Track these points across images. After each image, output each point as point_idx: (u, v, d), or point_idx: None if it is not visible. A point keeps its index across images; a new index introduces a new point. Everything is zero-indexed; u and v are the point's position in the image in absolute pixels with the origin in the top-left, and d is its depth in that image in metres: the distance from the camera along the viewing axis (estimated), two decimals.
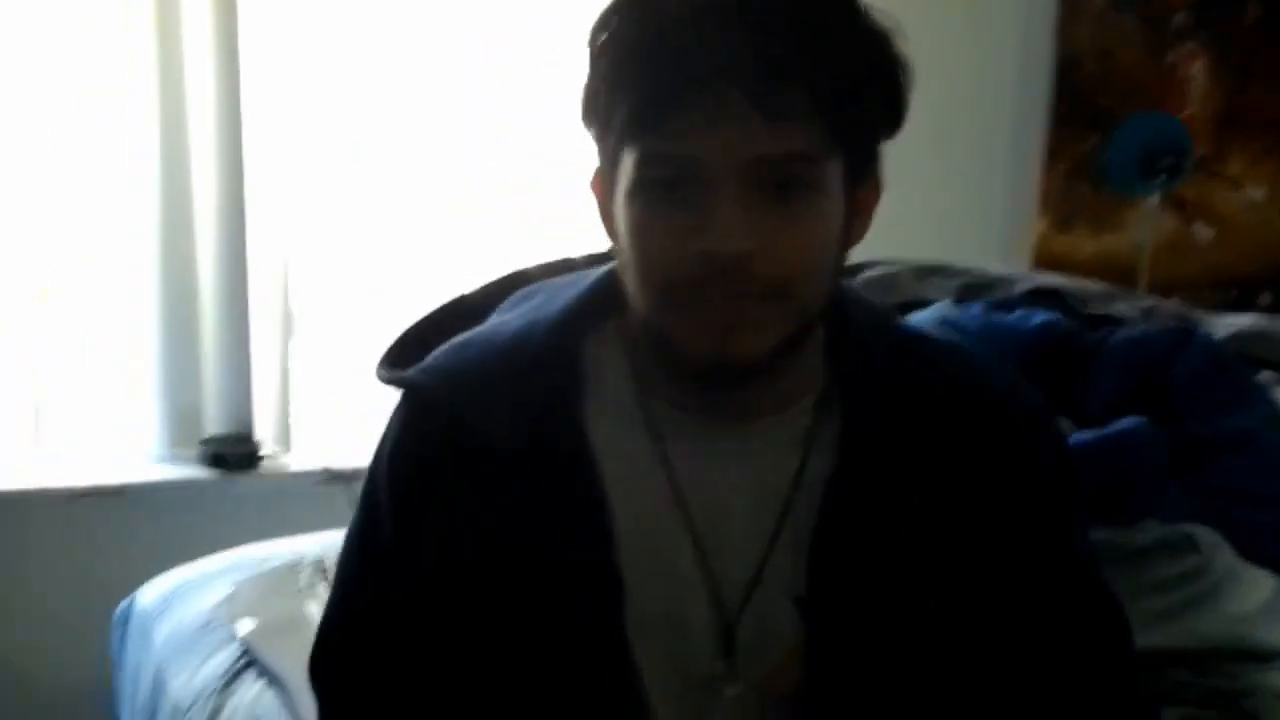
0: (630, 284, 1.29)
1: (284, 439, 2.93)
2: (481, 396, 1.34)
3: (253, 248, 2.87)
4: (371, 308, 3.03)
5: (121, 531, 2.78)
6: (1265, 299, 3.68)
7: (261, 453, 2.89)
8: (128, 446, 2.90)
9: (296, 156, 2.95)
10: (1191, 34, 3.54)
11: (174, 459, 2.88)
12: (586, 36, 1.26)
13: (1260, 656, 1.87)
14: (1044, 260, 3.40)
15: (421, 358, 1.40)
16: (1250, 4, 3.56)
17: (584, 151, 1.32)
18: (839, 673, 1.36)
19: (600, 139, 1.28)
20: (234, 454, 2.85)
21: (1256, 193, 3.68)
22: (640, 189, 1.23)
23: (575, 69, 1.29)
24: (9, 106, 2.75)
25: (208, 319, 2.85)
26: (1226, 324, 2.40)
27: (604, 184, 1.29)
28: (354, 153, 3.03)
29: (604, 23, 1.25)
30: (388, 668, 1.41)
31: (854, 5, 1.25)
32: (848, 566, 1.35)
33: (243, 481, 2.85)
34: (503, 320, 1.42)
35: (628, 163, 1.24)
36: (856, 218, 1.31)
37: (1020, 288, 2.35)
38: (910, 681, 1.37)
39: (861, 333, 1.40)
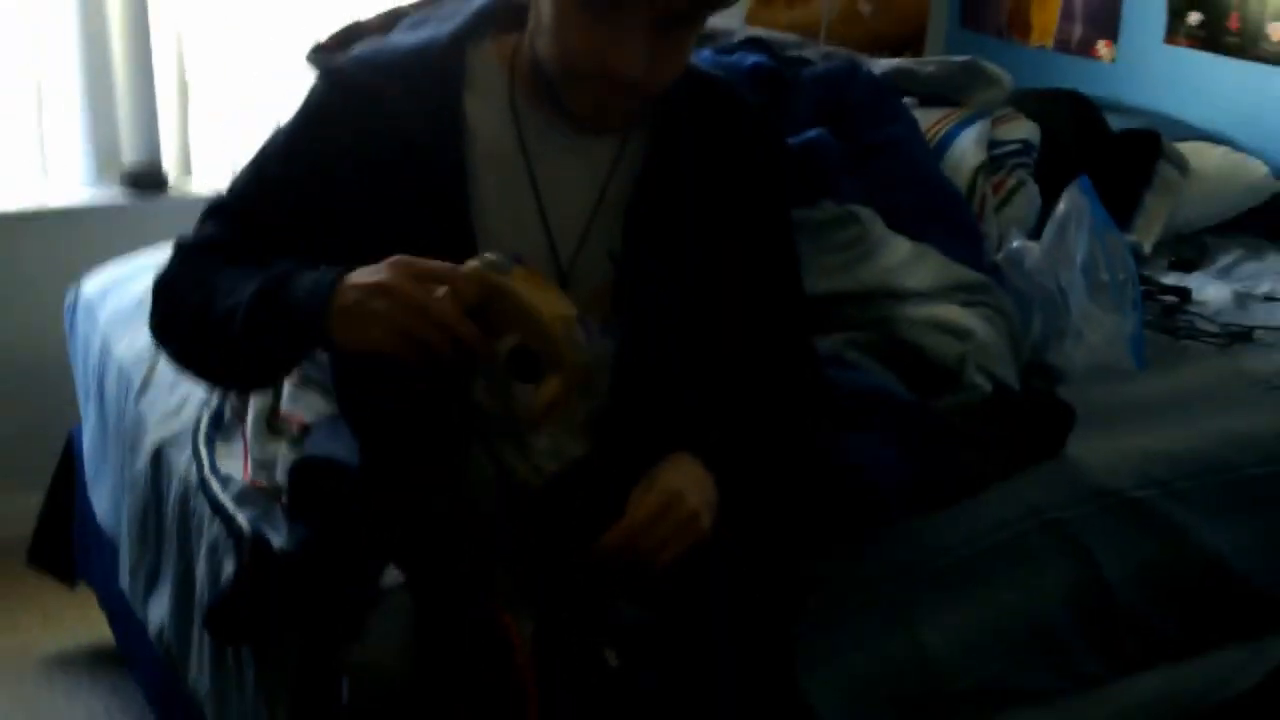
0: (541, 43, 1.27)
1: (186, 167, 2.83)
2: (390, 81, 1.32)
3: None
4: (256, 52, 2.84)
5: (61, 244, 2.67)
6: (908, 54, 3.70)
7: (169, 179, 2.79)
8: (60, 176, 2.75)
9: None
10: None
11: (98, 185, 2.75)
12: None
13: (900, 296, 1.96)
14: (752, 25, 3.33)
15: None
16: None
17: None
18: (636, 306, 1.37)
19: None
20: (146, 178, 2.74)
21: None
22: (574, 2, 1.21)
23: None
24: None
25: (120, 69, 2.69)
26: (881, 65, 2.43)
27: None
28: None
29: None
30: (245, 237, 1.35)
31: None
32: (650, 229, 1.37)
33: (155, 202, 2.76)
34: (405, 35, 1.40)
35: None
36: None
37: (737, 37, 2.33)
38: (687, 309, 1.39)
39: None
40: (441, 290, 1.14)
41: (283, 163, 1.35)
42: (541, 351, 1.17)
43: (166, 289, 1.36)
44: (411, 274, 1.15)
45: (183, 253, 1.38)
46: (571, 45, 1.23)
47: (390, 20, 1.49)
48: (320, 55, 1.45)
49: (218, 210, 1.38)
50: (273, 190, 1.35)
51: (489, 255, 1.18)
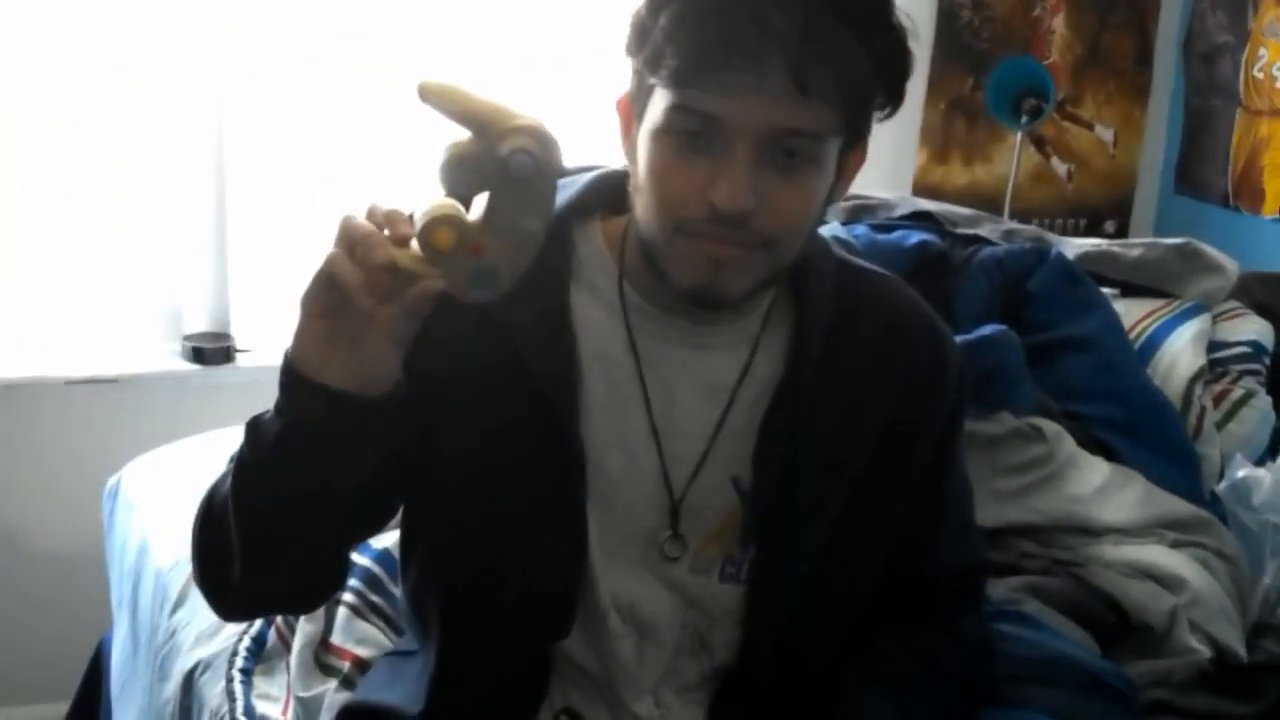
0: (639, 208, 1.29)
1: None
2: None
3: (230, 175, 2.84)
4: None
5: (111, 416, 2.75)
6: (1110, 226, 3.71)
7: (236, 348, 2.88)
8: (118, 342, 2.86)
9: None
10: None
11: (160, 353, 2.86)
12: None
13: (1093, 531, 1.94)
14: (921, 189, 3.39)
15: None
16: None
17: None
18: (769, 549, 1.37)
19: (639, 70, 1.26)
20: (212, 349, 2.83)
21: (1106, 133, 3.69)
22: (666, 132, 1.23)
23: None
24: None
25: (190, 235, 2.83)
26: (1075, 245, 2.43)
27: (632, 109, 1.28)
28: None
29: (675, 18, 1.22)
30: None
31: (886, 2, 1.25)
32: (784, 454, 1.36)
33: (219, 372, 2.84)
34: None
35: (660, 102, 1.23)
36: (841, 181, 1.31)
37: (900, 211, 2.36)
38: (825, 560, 1.38)
39: (812, 256, 1.39)
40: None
41: None
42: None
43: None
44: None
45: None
46: (671, 193, 1.24)
47: None
48: None
49: None
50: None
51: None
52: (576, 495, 1.33)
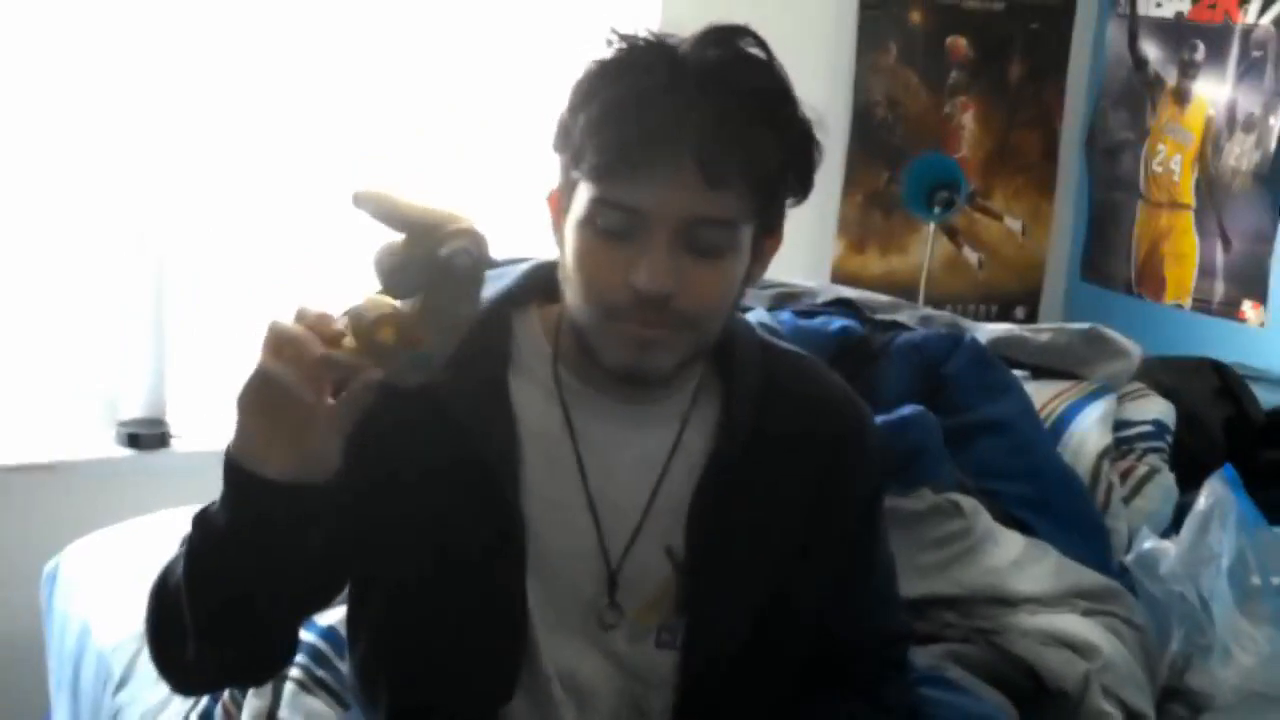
0: (569, 294, 1.34)
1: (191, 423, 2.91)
2: None
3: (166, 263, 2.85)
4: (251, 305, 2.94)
5: (49, 501, 2.72)
6: (1020, 313, 3.77)
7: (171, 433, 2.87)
8: (54, 428, 2.84)
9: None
10: (965, 89, 3.60)
11: (96, 439, 2.85)
12: (572, 82, 1.30)
13: (1009, 602, 1.96)
14: (840, 277, 3.43)
15: None
16: (1012, 65, 3.64)
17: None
18: (702, 616, 1.41)
19: (565, 168, 1.32)
20: (147, 435, 2.84)
21: (1015, 224, 3.76)
22: (590, 223, 1.29)
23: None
24: None
25: (125, 322, 2.83)
26: (988, 330, 2.47)
27: (559, 203, 1.34)
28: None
29: (589, 79, 1.29)
30: None
31: (790, 97, 1.31)
32: (715, 525, 1.41)
33: (155, 457, 2.83)
34: None
35: (583, 196, 1.29)
36: (757, 264, 1.37)
37: (822, 298, 2.41)
38: (756, 627, 1.42)
39: (737, 337, 1.45)
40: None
41: None
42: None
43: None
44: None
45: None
46: (597, 278, 1.29)
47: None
48: None
49: None
50: None
51: None
52: (517, 567, 1.37)
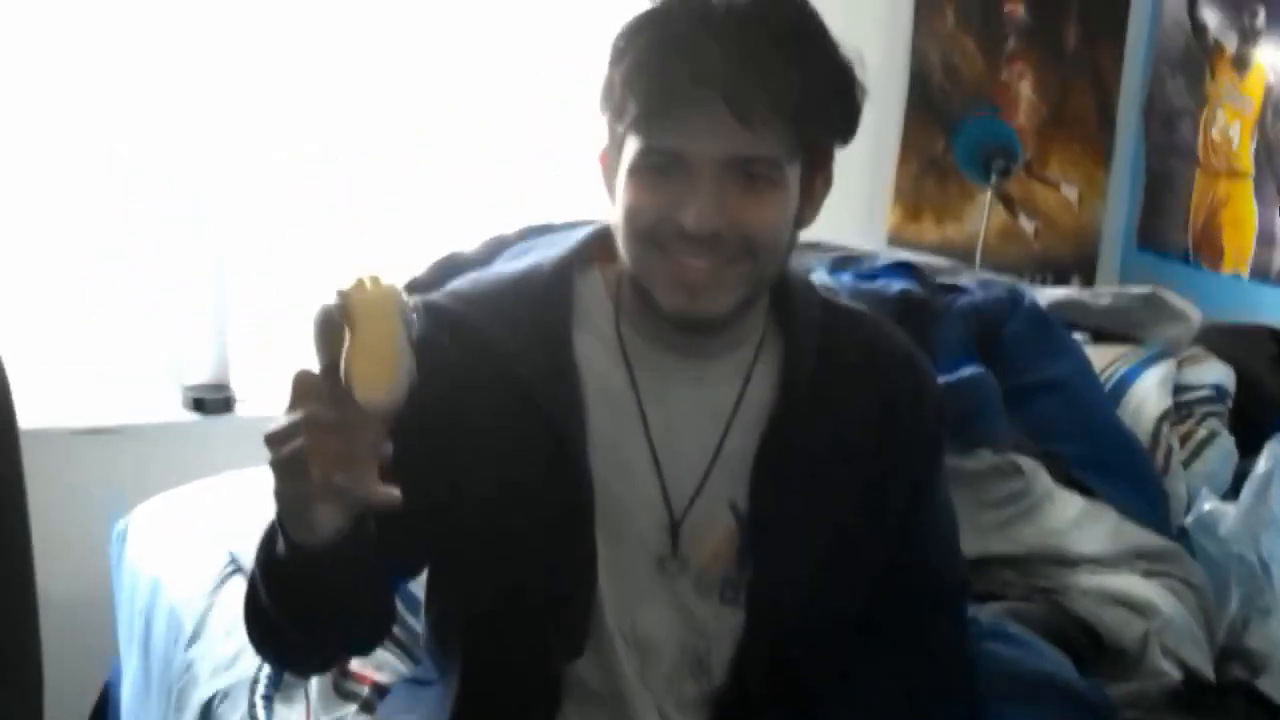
0: (624, 247, 1.37)
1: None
2: (493, 316, 1.42)
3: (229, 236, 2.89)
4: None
5: (117, 464, 2.76)
6: (1076, 281, 3.70)
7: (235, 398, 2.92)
8: (123, 393, 2.89)
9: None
10: (1021, 54, 3.57)
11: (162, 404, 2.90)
12: (610, 41, 1.35)
13: (1069, 561, 1.99)
14: (895, 243, 3.41)
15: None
16: (1068, 30, 3.61)
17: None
18: (766, 570, 1.43)
19: (610, 125, 1.36)
20: (212, 399, 2.88)
21: (1070, 192, 3.72)
22: (638, 171, 1.33)
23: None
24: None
25: (190, 292, 2.87)
26: (1047, 295, 2.49)
27: (609, 160, 1.38)
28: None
29: (625, 33, 1.33)
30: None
31: (825, 37, 1.34)
32: (778, 479, 1.43)
33: (219, 421, 2.87)
34: (507, 265, 1.51)
35: (630, 148, 1.33)
36: (808, 206, 1.40)
37: (882, 261, 2.42)
38: (819, 580, 1.44)
39: (796, 293, 1.48)
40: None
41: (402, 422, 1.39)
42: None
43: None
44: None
45: None
46: (644, 219, 1.33)
47: (491, 250, 1.60)
48: (417, 291, 1.53)
49: None
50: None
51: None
52: (586, 522, 1.40)
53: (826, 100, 1.34)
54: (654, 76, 1.30)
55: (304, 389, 1.18)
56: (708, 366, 1.44)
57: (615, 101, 1.34)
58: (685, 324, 1.38)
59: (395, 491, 1.18)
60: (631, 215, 1.35)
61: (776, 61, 1.29)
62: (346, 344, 1.17)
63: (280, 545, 1.25)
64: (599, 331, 1.44)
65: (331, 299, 1.18)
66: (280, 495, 1.21)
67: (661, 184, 1.32)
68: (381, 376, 1.17)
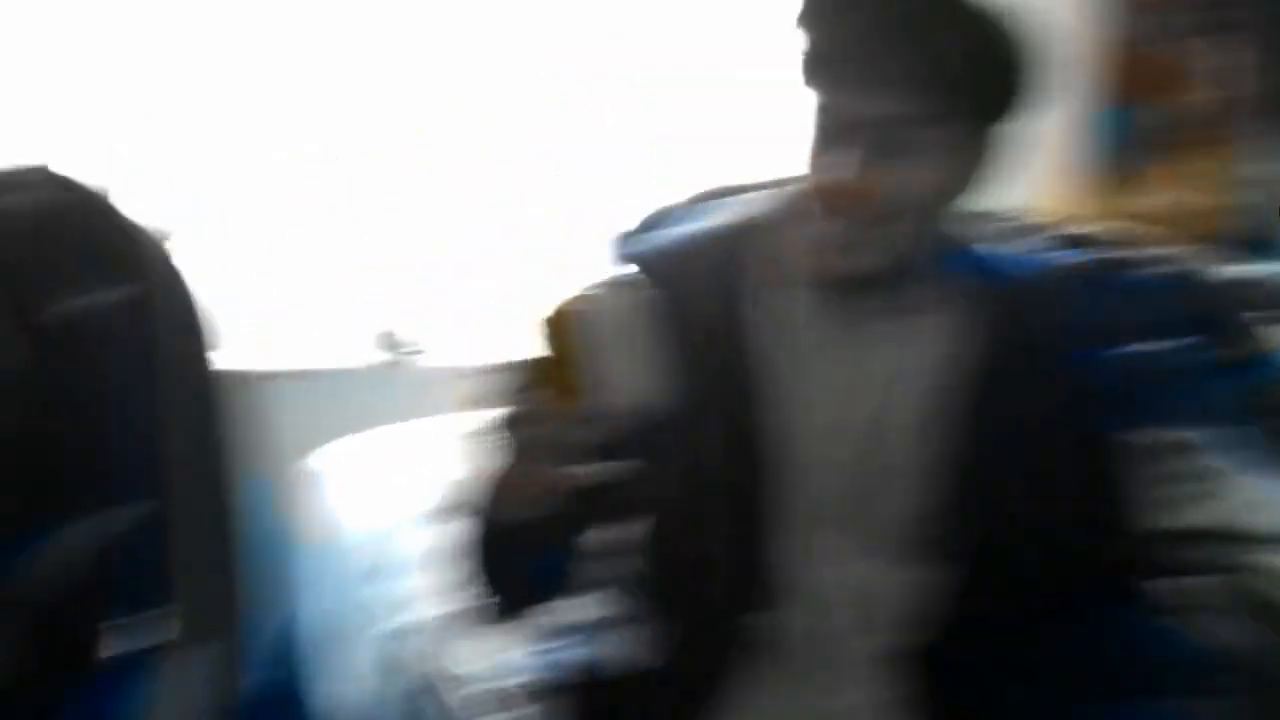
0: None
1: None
2: (692, 270, 1.46)
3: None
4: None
5: (311, 405, 2.83)
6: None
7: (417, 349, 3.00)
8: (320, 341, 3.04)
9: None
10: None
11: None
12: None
13: (1246, 539, 1.88)
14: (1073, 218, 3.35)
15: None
16: None
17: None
18: (944, 526, 1.43)
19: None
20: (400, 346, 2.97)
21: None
22: (811, 130, 1.36)
23: None
24: None
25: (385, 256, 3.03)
26: (1228, 272, 2.39)
27: None
28: None
29: (799, 20, 1.36)
30: None
31: (978, 13, 1.34)
32: (960, 439, 1.43)
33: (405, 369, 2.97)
34: (707, 220, 1.53)
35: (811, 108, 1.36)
36: (966, 172, 1.39)
37: (1053, 232, 2.33)
38: (1004, 537, 1.44)
39: (968, 255, 1.50)
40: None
41: None
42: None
43: None
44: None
45: None
46: (812, 180, 1.37)
47: (697, 204, 1.60)
48: (627, 241, 1.58)
49: None
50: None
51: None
52: (771, 480, 1.42)
53: (967, 71, 1.33)
54: (812, 39, 1.35)
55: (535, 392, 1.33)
56: (890, 327, 1.44)
57: (801, 66, 1.37)
58: (843, 285, 1.40)
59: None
60: (808, 181, 1.38)
61: (917, 27, 1.31)
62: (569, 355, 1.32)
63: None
64: (792, 287, 1.45)
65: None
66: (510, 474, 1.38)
67: (825, 147, 1.35)
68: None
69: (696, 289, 1.45)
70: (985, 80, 1.35)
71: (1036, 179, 3.36)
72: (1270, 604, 1.80)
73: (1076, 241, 2.34)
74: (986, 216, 2.35)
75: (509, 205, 3.11)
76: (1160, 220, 3.38)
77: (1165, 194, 3.42)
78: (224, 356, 1.61)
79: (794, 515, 1.43)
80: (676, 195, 1.66)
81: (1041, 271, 2.13)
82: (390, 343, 2.97)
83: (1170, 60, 3.49)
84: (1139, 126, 3.30)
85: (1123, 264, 2.29)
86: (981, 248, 1.75)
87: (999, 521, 1.43)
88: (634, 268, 1.49)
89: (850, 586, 1.43)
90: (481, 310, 3.05)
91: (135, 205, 1.28)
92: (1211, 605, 1.77)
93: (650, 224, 1.61)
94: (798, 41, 1.37)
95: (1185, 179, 3.54)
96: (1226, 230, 3.58)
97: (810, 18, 1.35)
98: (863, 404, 1.44)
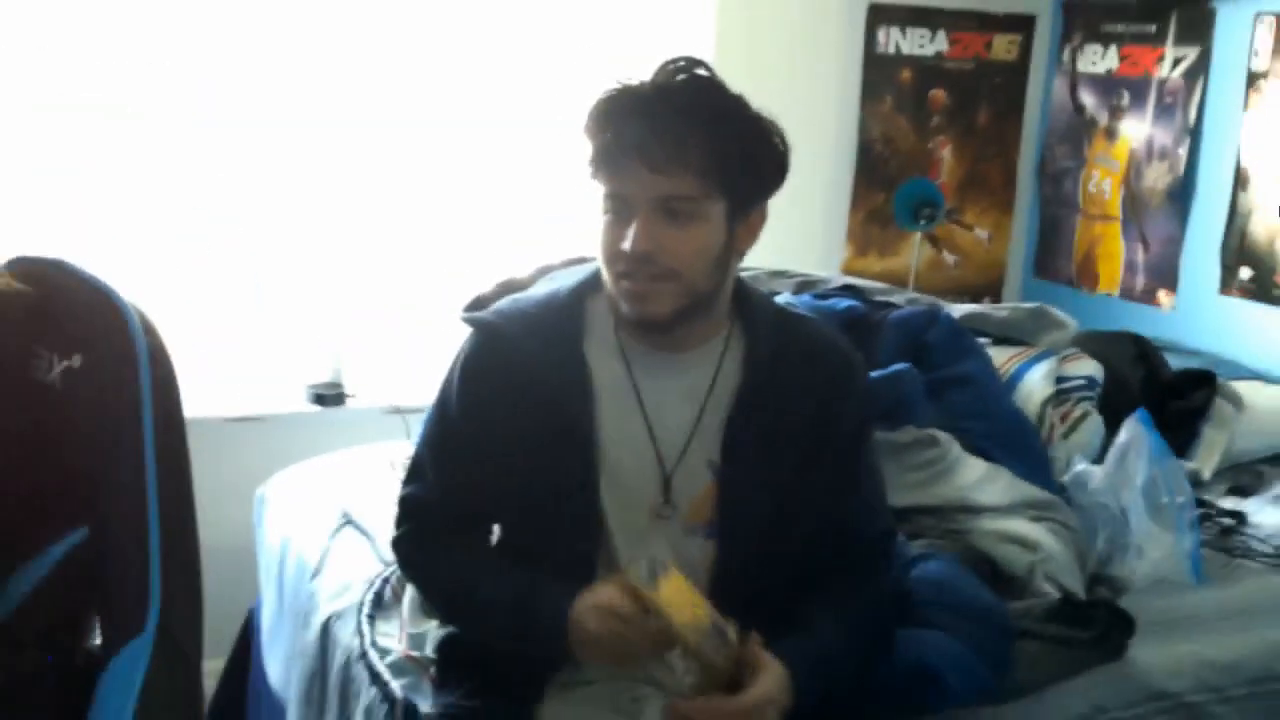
0: (603, 270, 1.41)
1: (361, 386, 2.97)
2: (525, 331, 1.45)
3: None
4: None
5: (257, 445, 2.81)
6: (986, 302, 3.71)
7: (347, 393, 2.93)
8: (259, 391, 2.92)
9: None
10: (943, 130, 3.59)
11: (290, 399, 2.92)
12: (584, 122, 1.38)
13: (974, 510, 1.96)
14: (847, 274, 3.35)
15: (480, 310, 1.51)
16: (980, 111, 3.63)
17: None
18: (735, 511, 1.45)
19: (593, 177, 1.39)
20: (330, 395, 2.91)
21: (983, 234, 3.73)
22: (603, 212, 1.38)
23: None
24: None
25: (312, 309, 2.91)
26: (959, 309, 2.46)
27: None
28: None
29: (591, 110, 1.37)
30: (448, 493, 1.49)
31: (727, 103, 1.35)
32: (743, 441, 1.44)
33: (333, 413, 2.90)
34: (539, 289, 1.54)
35: (599, 194, 1.37)
36: (738, 235, 1.40)
37: (834, 284, 2.42)
38: (774, 519, 1.45)
39: (754, 299, 1.49)
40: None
41: (458, 414, 1.47)
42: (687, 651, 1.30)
43: (422, 568, 1.54)
44: (610, 615, 1.32)
45: (410, 513, 1.52)
46: (607, 250, 1.37)
47: (536, 276, 1.64)
48: (474, 310, 1.58)
49: (419, 466, 1.52)
50: (453, 441, 1.48)
51: (636, 567, 1.29)
52: (596, 485, 1.43)
53: (734, 154, 1.34)
54: (603, 139, 1.34)
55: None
56: (687, 360, 1.45)
57: (590, 160, 1.38)
58: (640, 327, 1.41)
59: None
60: (603, 251, 1.39)
61: (685, 127, 1.32)
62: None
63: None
64: (604, 341, 1.46)
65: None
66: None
67: (615, 221, 1.36)
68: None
69: (534, 350, 1.43)
70: (744, 165, 1.36)
71: (822, 244, 3.48)
72: (986, 557, 1.88)
73: (852, 291, 2.44)
74: (783, 274, 2.46)
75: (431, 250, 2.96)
76: (919, 273, 3.52)
77: (922, 253, 3.50)
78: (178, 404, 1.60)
79: (624, 512, 1.44)
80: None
81: (824, 314, 2.22)
82: (321, 391, 2.92)
83: (918, 151, 3.60)
84: (903, 199, 3.39)
85: (887, 305, 2.39)
86: (769, 295, 1.80)
87: (770, 506, 1.44)
88: (481, 333, 1.48)
89: (670, 559, 1.41)
90: (407, 353, 2.92)
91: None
92: (944, 559, 1.82)
93: (502, 291, 1.62)
94: (585, 145, 1.37)
95: (938, 241, 3.66)
96: (970, 279, 3.74)
97: (596, 126, 1.35)
98: (676, 418, 1.44)
